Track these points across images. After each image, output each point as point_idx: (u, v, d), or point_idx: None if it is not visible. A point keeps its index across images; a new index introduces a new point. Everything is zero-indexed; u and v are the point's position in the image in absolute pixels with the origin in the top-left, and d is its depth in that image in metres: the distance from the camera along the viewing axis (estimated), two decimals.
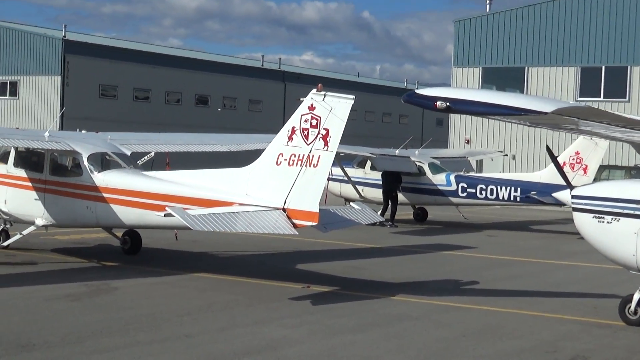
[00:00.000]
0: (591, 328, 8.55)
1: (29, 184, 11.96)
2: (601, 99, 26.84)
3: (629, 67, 26.90)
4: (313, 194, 9.53)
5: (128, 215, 11.12)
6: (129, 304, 8.66)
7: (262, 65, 53.38)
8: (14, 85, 40.26)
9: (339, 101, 9.43)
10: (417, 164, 19.14)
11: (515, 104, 5.30)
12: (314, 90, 9.74)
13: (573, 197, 8.79)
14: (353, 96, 9.40)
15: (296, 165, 9.77)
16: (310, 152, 9.64)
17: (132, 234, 12.98)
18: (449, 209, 20.25)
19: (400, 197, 19.11)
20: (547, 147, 11.22)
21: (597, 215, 8.39)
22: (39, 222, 11.68)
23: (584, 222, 8.60)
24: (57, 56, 38.67)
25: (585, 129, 6.65)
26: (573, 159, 17.90)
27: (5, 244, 12.26)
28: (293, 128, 9.96)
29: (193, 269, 11.62)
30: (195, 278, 10.93)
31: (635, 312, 8.46)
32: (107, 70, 40.23)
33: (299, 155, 9.69)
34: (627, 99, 27.38)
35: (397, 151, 19.73)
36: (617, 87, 27.70)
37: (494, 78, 31.65)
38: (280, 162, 9.88)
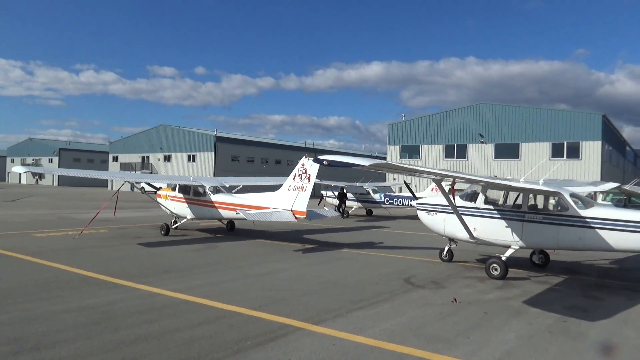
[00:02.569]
0: (425, 263, 13.11)
1: (185, 201, 18.98)
2: (454, 159, 43.32)
3: (467, 145, 42.91)
4: (303, 202, 15.53)
5: (230, 214, 17.48)
6: (222, 253, 14.45)
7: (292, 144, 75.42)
8: (194, 157, 61.87)
9: (313, 163, 15.17)
10: (367, 189, 30.13)
11: (354, 161, 7.99)
12: (304, 157, 15.87)
13: (417, 203, 13.85)
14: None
15: (295, 190, 16.22)
16: (302, 184, 17.41)
17: (230, 222, 19.93)
18: (382, 210, 31.56)
19: (358, 204, 30.48)
20: (404, 182, 16.63)
21: (427, 211, 13.21)
22: (189, 217, 18.83)
23: (422, 215, 13.26)
24: (212, 143, 59.69)
25: (397, 173, 11.67)
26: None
27: (174, 227, 18.79)
28: (294, 174, 16.00)
29: (255, 238, 17.99)
30: (253, 242, 17.00)
31: (446, 255, 13.40)
32: (234, 149, 61.65)
33: (297, 186, 16.57)
34: (466, 159, 42.50)
35: (357, 183, 31.02)
36: (462, 154, 43.17)
37: (406, 151, 46.74)
38: (289, 189, 16.45)
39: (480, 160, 42.24)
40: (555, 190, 11.23)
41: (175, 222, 19.31)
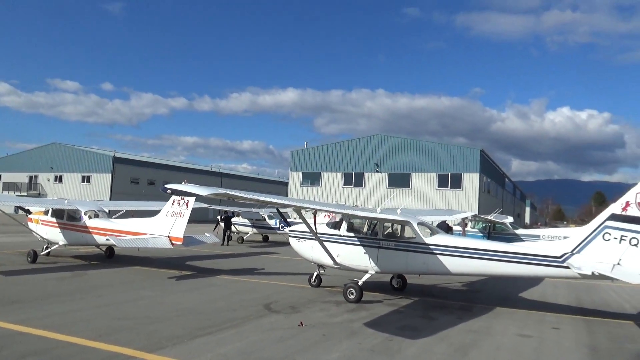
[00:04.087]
0: (293, 289, 13.50)
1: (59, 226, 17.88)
2: (352, 187, 45.89)
3: (364, 174, 45.69)
4: (181, 229, 15.31)
5: (100, 239, 17.06)
6: (88, 281, 14.57)
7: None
8: (89, 178, 57.70)
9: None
10: (263, 215, 29.86)
11: (193, 190, 8.49)
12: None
13: (289, 230, 14.18)
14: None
15: (173, 216, 15.82)
16: (181, 210, 17.44)
17: (109, 248, 18.84)
18: (278, 237, 30.61)
19: (253, 230, 30.20)
20: (277, 209, 17.45)
21: (297, 238, 13.57)
22: (61, 242, 17.63)
23: (292, 242, 13.70)
24: (110, 164, 56.80)
25: (241, 201, 10.56)
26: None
27: (45, 253, 17.73)
28: (173, 199, 15.55)
29: (133, 265, 17.37)
30: (129, 269, 16.72)
31: (314, 281, 13.78)
32: (135, 171, 59.08)
33: (176, 212, 15.88)
34: (363, 187, 45.05)
35: (253, 209, 29.86)
36: (359, 182, 45.84)
37: (308, 178, 48.32)
38: (168, 214, 15.94)
39: (376, 189, 44.46)
40: (405, 220, 12.31)
41: (48, 248, 18.31)
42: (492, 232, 26.36)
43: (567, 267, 10.19)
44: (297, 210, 11.94)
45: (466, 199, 41.21)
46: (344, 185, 45.57)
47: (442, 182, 42.45)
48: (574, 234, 11.08)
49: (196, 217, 50.64)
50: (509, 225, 26.36)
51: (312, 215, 12.61)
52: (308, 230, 13.97)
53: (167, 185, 8.34)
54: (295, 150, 48.87)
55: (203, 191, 7.96)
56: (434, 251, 11.78)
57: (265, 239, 32.63)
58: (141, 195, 51.14)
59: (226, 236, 28.65)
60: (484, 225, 27.01)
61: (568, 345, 8.81)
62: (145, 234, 16.15)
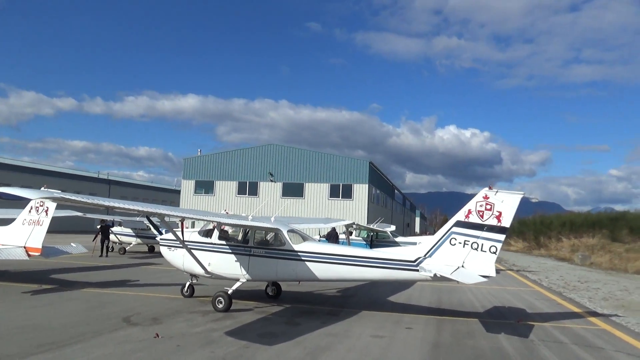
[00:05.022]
0: (163, 300, 13.21)
1: None
2: (247, 196, 45.10)
3: (258, 183, 45.67)
4: (39, 238, 14.10)
5: None
6: None
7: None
8: None
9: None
10: (147, 224, 25.69)
11: (22, 194, 7.87)
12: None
13: (160, 239, 13.70)
14: None
15: (31, 224, 14.39)
16: (39, 218, 16.88)
17: None
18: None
19: (137, 240, 28.45)
20: (147, 218, 16.89)
21: (168, 247, 13.16)
22: None
23: (163, 251, 13.34)
24: None
25: (78, 205, 8.79)
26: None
27: None
28: (31, 206, 14.28)
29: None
30: None
31: (187, 291, 13.22)
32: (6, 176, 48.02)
33: (34, 220, 14.42)
34: (257, 196, 44.86)
35: (137, 219, 27.12)
36: (253, 191, 45.91)
37: (201, 186, 47.34)
38: (24, 222, 14.46)
39: (270, 198, 44.53)
40: (274, 227, 12.41)
41: None
42: (375, 240, 27.59)
43: (421, 271, 10.90)
44: (161, 217, 11.47)
45: (356, 208, 42.79)
46: (238, 194, 45.16)
47: (334, 192, 43.72)
48: (428, 240, 11.94)
49: (79, 228, 46.95)
50: (390, 234, 27.77)
51: (180, 222, 12.24)
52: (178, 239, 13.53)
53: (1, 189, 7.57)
54: (188, 157, 47.45)
55: (33, 194, 7.36)
56: (302, 258, 12.02)
57: (151, 249, 31.05)
58: (13, 204, 46.04)
59: (104, 247, 26.83)
60: (368, 233, 28.17)
61: (414, 344, 9.42)
62: None
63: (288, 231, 12.53)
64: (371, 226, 28.74)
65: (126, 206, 8.94)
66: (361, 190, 43.32)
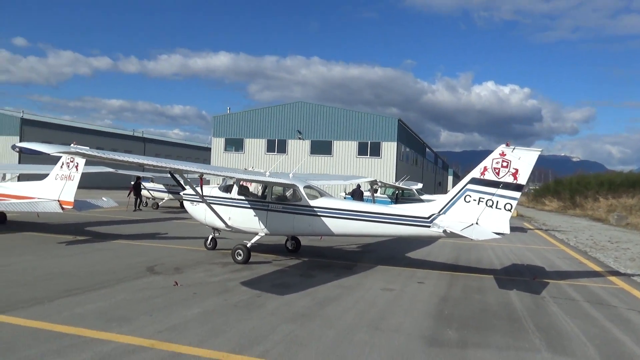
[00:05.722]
0: (187, 251, 14.66)
1: None
2: (275, 153, 44.29)
3: (287, 140, 45.51)
4: (71, 192, 15.18)
5: None
6: None
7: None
8: None
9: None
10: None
11: (40, 148, 8.18)
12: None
13: (183, 194, 14.31)
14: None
15: (63, 179, 15.63)
16: (70, 173, 17.84)
17: (1, 215, 17.82)
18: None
19: (169, 195, 28.80)
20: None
21: (191, 202, 13.89)
22: None
23: (187, 205, 13.88)
24: (17, 126, 53.24)
25: (96, 160, 11.38)
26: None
27: None
28: (62, 162, 15.41)
29: (26, 230, 16.59)
30: (18, 235, 16.04)
31: (210, 244, 13.94)
32: (49, 135, 53.60)
33: (65, 175, 15.99)
34: (286, 154, 42.53)
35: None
36: (282, 149, 45.63)
37: (230, 143, 47.98)
38: (57, 177, 15.53)
39: (299, 155, 44.82)
40: (290, 183, 12.64)
41: None
42: (400, 197, 27.59)
43: (433, 227, 10.97)
44: (179, 173, 11.83)
45: (385, 166, 42.63)
46: (267, 152, 45.58)
47: (362, 150, 43.56)
48: (443, 196, 11.92)
49: (113, 184, 48.79)
50: (415, 191, 27.69)
51: (199, 177, 12.62)
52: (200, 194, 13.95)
53: (16, 144, 8.01)
54: (217, 115, 47.97)
55: (50, 149, 7.76)
56: (318, 213, 12.25)
57: (183, 204, 31.93)
58: (55, 160, 48.27)
59: (137, 202, 28.02)
60: (393, 191, 28.18)
61: (422, 297, 9.62)
62: (33, 197, 15.40)
63: (304, 187, 12.74)
64: (396, 184, 28.68)
65: (139, 161, 9.28)
66: (390, 148, 42.98)
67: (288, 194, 13.08)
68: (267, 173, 13.33)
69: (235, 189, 13.28)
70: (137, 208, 27.83)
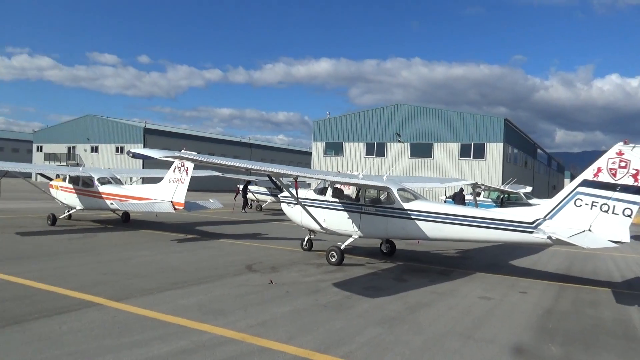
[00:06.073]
0: (285, 252, 14.37)
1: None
2: (374, 157, 43.08)
3: (386, 144, 44.70)
4: (182, 194, 16.24)
5: (110, 204, 18.26)
6: (95, 241, 16.00)
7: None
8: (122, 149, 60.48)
9: None
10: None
11: (148, 153, 8.97)
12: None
13: (280, 196, 14.59)
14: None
15: (175, 182, 16.62)
16: (181, 177, 19.09)
17: (125, 213, 19.72)
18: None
19: (272, 198, 29.06)
20: (268, 176, 14.21)
21: (288, 204, 14.10)
22: (78, 207, 19.20)
23: (284, 207, 14.23)
24: (141, 135, 58.85)
25: (198, 163, 10.35)
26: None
27: (63, 216, 18.90)
28: (174, 167, 16.32)
29: (145, 228, 18.41)
30: (138, 232, 17.75)
31: (306, 245, 14.27)
32: (166, 142, 58.65)
33: (177, 178, 17.16)
34: (385, 157, 43.71)
35: None
36: (381, 152, 45.75)
37: (330, 147, 48.82)
38: (170, 181, 16.84)
39: (398, 158, 44.30)
40: (384, 186, 12.53)
41: (69, 212, 19.68)
42: (507, 201, 26.05)
43: (537, 233, 10.20)
44: (274, 176, 12.28)
45: (489, 168, 40.52)
46: (366, 155, 45.63)
47: (464, 152, 41.83)
48: (549, 200, 11.02)
49: (220, 187, 52.07)
50: (523, 195, 25.96)
51: (294, 180, 12.99)
52: (297, 197, 14.37)
53: (130, 150, 8.90)
54: (317, 120, 49.10)
55: (156, 154, 8.50)
56: (412, 216, 11.99)
57: None
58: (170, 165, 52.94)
59: (244, 204, 29.78)
60: (497, 194, 26.68)
61: (524, 308, 8.97)
62: (150, 199, 16.98)
63: (398, 190, 12.55)
64: (502, 187, 27.07)
65: (236, 164, 9.81)
66: (495, 150, 40.72)
67: (382, 196, 12.98)
68: (360, 175, 13.34)
69: (329, 191, 13.46)
70: (244, 210, 29.52)
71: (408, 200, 12.31)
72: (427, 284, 10.65)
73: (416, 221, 11.94)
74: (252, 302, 8.42)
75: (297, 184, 13.11)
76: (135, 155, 8.68)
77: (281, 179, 12.36)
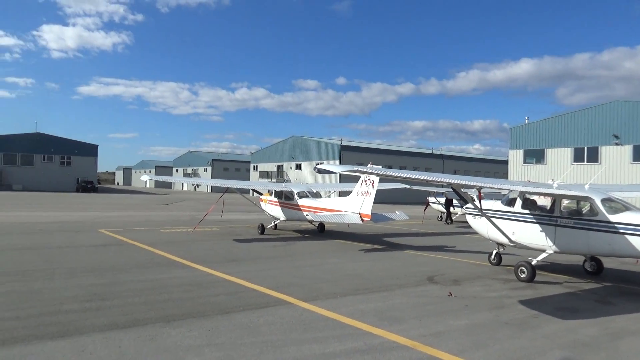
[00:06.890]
0: (470, 265, 14.45)
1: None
2: (584, 163, 39.95)
3: (599, 147, 39.78)
4: (369, 206, 17.08)
5: (306, 215, 20.87)
6: (293, 249, 17.85)
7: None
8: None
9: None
10: (472, 195, 26.80)
11: (329, 168, 9.63)
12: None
13: (465, 208, 13.91)
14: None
15: (362, 195, 18.11)
16: (368, 190, 19.59)
17: (321, 224, 21.73)
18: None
19: (462, 210, 29.26)
20: (453, 189, 15.31)
21: (473, 215, 13.61)
22: (281, 218, 22.97)
23: (469, 219, 13.72)
24: (337, 151, 63.30)
25: (379, 177, 12.34)
26: None
27: (271, 226, 25.03)
28: (362, 180, 17.32)
29: (337, 239, 19.99)
30: (330, 242, 19.24)
31: (494, 259, 13.81)
32: (359, 157, 62.39)
33: (364, 191, 18.98)
34: (599, 163, 39.01)
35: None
36: (593, 157, 40.30)
37: (530, 155, 45.27)
38: (358, 194, 17.92)
39: (616, 164, 38.42)
40: (585, 195, 11.25)
41: (275, 222, 22.48)
42: None
43: None
44: (456, 187, 12.08)
45: None
46: (574, 161, 40.67)
47: None
48: None
49: (414, 199, 52.39)
50: None
51: (477, 191, 12.57)
52: (484, 208, 13.86)
53: (317, 166, 9.85)
54: (515, 126, 45.76)
55: (337, 169, 9.22)
56: (620, 230, 10.47)
57: None
58: (350, 179, 55.71)
59: (447, 216, 29.99)
60: None
61: None
62: (341, 211, 18.29)
63: (603, 200, 11.09)
64: None
65: (414, 176, 9.96)
66: None
67: (582, 207, 11.61)
68: (555, 184, 12.18)
69: (518, 202, 12.61)
70: (447, 222, 29.75)
71: (616, 211, 10.77)
72: (638, 309, 9.15)
73: (626, 236, 10.36)
74: (429, 313, 8.47)
75: (480, 194, 12.60)
76: (321, 171, 9.62)
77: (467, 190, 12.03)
